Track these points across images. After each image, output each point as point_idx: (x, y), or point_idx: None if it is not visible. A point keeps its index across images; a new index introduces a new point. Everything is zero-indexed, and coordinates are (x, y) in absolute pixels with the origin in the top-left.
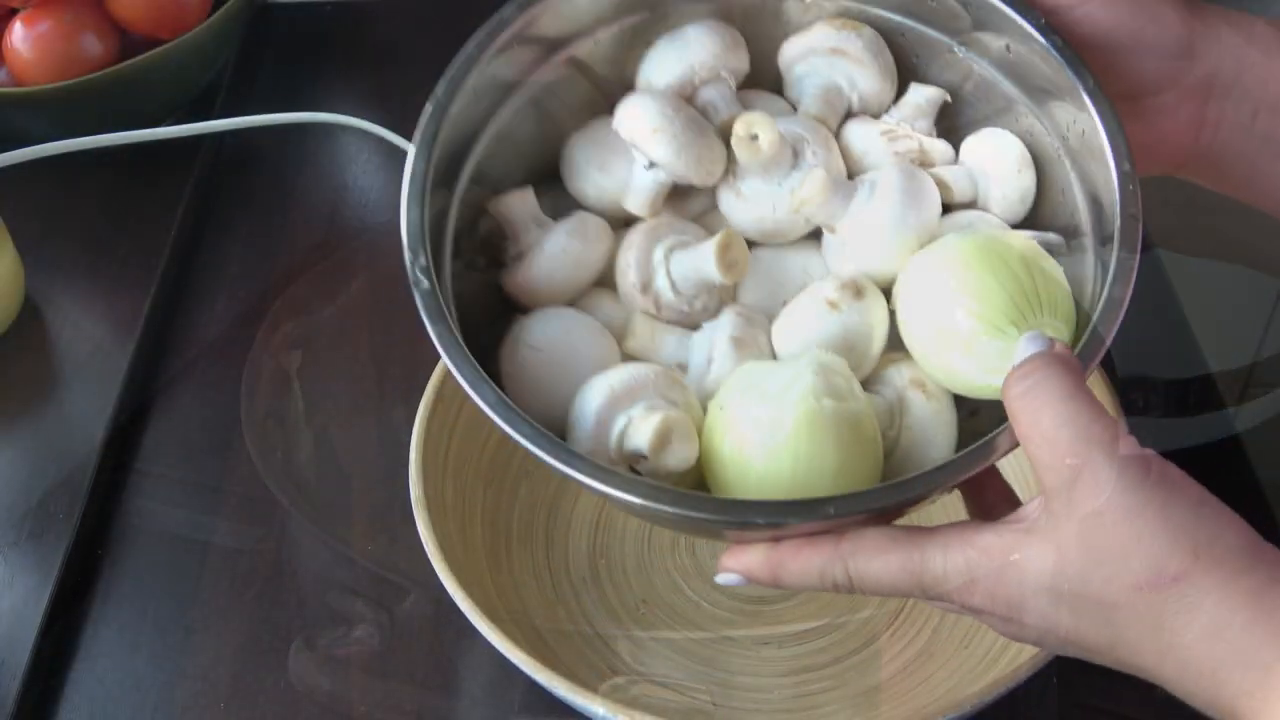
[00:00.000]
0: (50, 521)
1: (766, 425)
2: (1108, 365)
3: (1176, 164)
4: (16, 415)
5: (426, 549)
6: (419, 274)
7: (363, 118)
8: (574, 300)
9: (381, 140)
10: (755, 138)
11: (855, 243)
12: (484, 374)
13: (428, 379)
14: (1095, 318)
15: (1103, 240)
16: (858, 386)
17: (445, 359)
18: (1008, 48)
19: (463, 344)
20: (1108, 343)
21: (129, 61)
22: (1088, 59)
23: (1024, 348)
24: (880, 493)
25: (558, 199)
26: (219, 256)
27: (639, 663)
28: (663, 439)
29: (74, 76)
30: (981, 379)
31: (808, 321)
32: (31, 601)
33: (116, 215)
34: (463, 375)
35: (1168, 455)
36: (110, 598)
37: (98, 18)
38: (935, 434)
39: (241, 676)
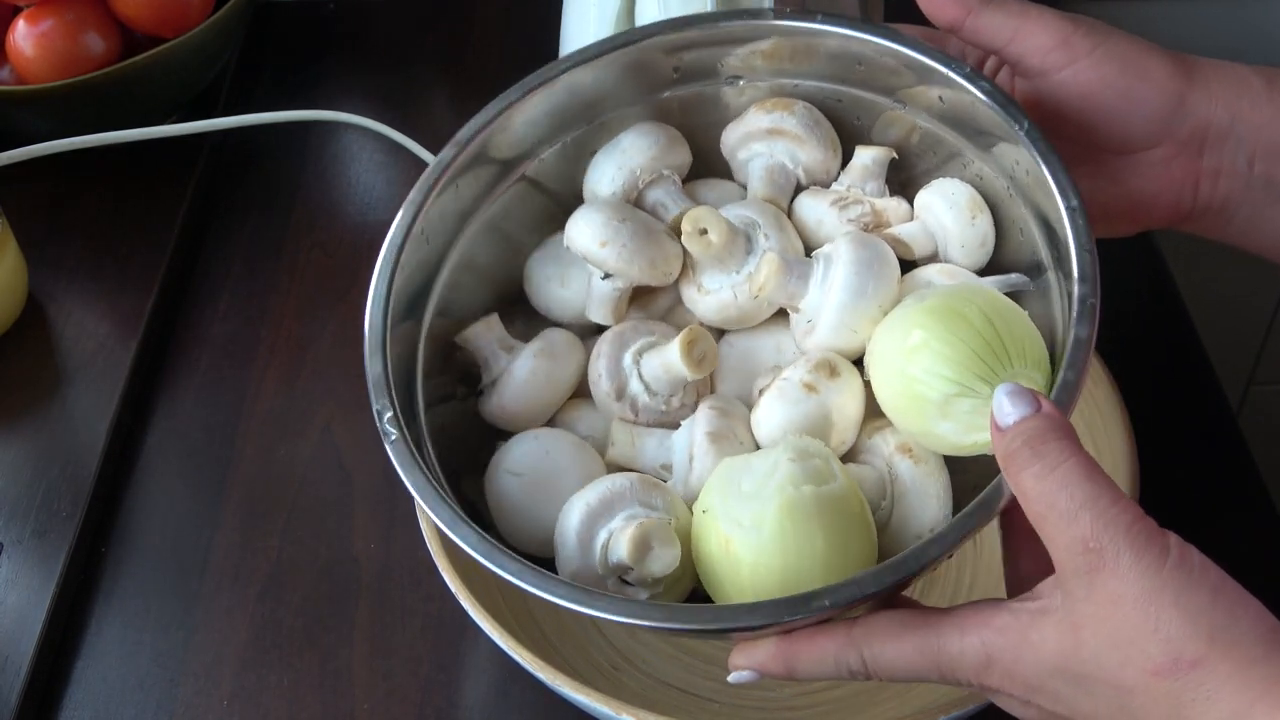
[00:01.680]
0: (53, 519)
1: (750, 523)
2: (1110, 364)
3: (1180, 217)
4: (20, 414)
5: (429, 546)
6: (387, 425)
7: (365, 116)
8: (553, 417)
9: (384, 138)
10: (704, 232)
11: (819, 320)
12: (461, 514)
13: None
14: (1064, 362)
15: (1066, 274)
16: (838, 466)
17: (421, 503)
18: (940, 99)
19: (436, 486)
20: (1080, 386)
21: (132, 60)
22: (1077, 118)
23: (1004, 404)
24: (875, 576)
25: (529, 317)
26: (222, 255)
27: (642, 660)
28: (641, 547)
29: (77, 75)
30: (965, 439)
31: (785, 408)
32: (35, 599)
33: (119, 214)
34: (440, 518)
35: (1169, 454)
36: (113, 596)
37: (100, 16)
38: (928, 498)
39: (243, 675)
